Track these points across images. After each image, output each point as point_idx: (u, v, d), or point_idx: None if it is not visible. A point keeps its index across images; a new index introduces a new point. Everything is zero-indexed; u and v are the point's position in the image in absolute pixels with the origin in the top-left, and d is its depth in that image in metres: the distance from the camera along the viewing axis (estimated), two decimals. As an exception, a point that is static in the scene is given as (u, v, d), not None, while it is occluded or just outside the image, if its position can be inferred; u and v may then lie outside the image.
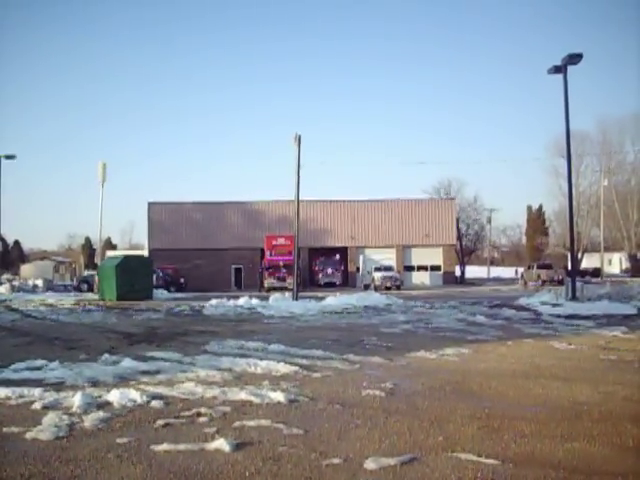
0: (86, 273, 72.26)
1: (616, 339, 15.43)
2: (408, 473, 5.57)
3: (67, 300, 35.87)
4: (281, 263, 48.75)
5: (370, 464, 5.75)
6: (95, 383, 9.77)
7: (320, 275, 56.70)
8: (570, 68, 27.15)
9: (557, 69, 27.39)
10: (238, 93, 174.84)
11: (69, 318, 23.90)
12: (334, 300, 30.07)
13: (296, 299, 31.75)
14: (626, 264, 76.15)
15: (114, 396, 8.50)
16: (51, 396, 8.65)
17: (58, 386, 9.48)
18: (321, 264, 57.34)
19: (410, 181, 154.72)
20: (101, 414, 7.69)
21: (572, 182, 30.43)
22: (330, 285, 54.28)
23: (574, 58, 26.76)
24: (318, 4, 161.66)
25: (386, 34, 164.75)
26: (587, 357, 12.47)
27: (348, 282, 56.34)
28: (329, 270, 56.83)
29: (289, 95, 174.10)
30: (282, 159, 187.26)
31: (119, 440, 6.61)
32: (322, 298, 30.97)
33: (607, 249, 72.85)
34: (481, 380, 9.83)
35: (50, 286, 53.64)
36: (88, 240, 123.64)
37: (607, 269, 73.86)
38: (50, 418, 7.45)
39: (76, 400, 8.19)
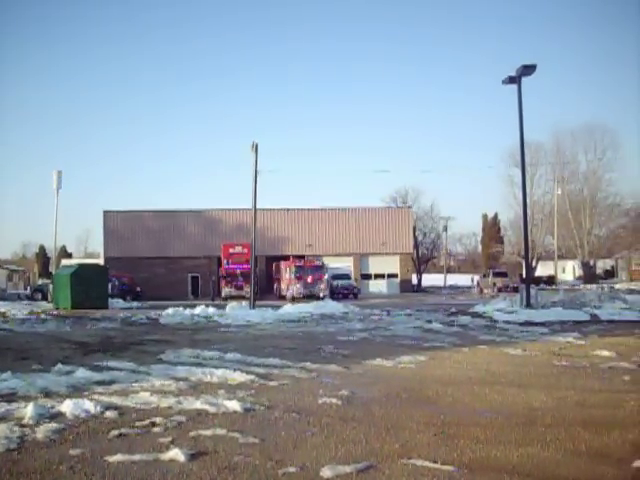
0: (40, 282, 71.13)
1: (569, 345, 15.68)
2: (364, 481, 5.58)
3: (20, 309, 35.17)
4: (238, 271, 48.55)
5: (326, 472, 5.73)
6: (48, 394, 9.60)
7: (297, 285, 46.90)
8: (524, 79, 27.55)
9: (511, 80, 27.76)
10: (195, 104, 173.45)
11: (22, 327, 23.49)
12: (291, 308, 30.06)
13: (253, 307, 31.64)
14: (579, 272, 77.31)
15: (67, 407, 8.36)
16: (2, 407, 8.47)
17: (9, 397, 9.29)
18: (298, 271, 47.81)
19: (367, 190, 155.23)
20: (54, 425, 7.55)
21: (526, 191, 30.88)
22: (310, 297, 43.37)
23: (528, 69, 27.15)
24: (274, 11, 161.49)
25: (339, 36, 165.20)
26: (541, 363, 12.63)
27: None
28: (309, 278, 47.28)
29: (247, 102, 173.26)
30: (239, 167, 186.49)
31: (72, 451, 6.50)
32: (279, 307, 30.90)
33: (561, 257, 73.97)
34: (437, 387, 9.89)
35: (3, 295, 52.79)
36: (43, 248, 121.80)
37: (561, 276, 74.97)
38: (1, 430, 7.28)
39: (28, 411, 8.04)
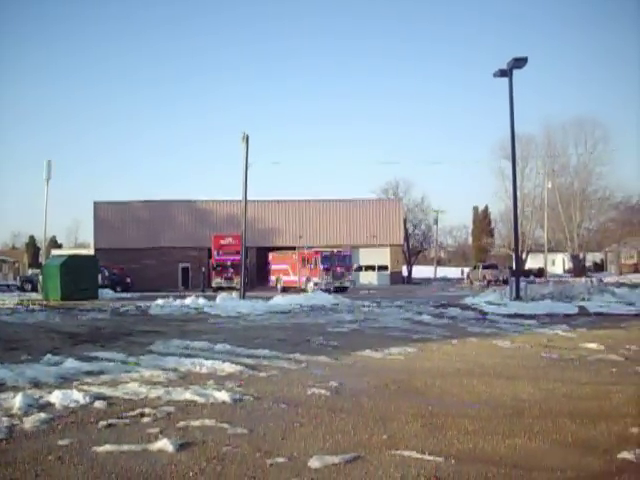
0: (30, 272, 70.96)
1: (558, 337, 15.74)
2: (352, 471, 5.60)
3: (10, 300, 35.10)
4: (229, 262, 48.51)
5: (314, 463, 5.76)
6: (37, 384, 9.59)
7: (325, 276, 43.57)
8: (516, 71, 27.58)
9: (503, 73, 27.80)
10: (193, 99, 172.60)
11: (11, 318, 23.42)
12: (281, 300, 30.07)
13: (243, 299, 31.66)
14: (569, 264, 77.63)
15: (56, 397, 8.36)
16: (-10, 397, 8.47)
17: (-2, 387, 9.28)
18: (326, 261, 44.30)
19: (358, 182, 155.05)
20: (42, 415, 7.55)
21: (517, 184, 30.96)
22: (341, 290, 41.66)
23: (519, 62, 27.18)
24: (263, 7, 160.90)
25: (334, 32, 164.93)
26: (529, 355, 12.69)
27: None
28: (338, 269, 44.27)
29: (238, 94, 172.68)
30: (236, 161, 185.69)
31: (60, 442, 6.50)
32: (269, 298, 30.90)
33: (551, 250, 74.14)
34: (426, 378, 9.92)
35: (-8, 285, 52.47)
36: (32, 239, 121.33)
37: (550, 269, 75.21)
38: (-11, 420, 7.29)
39: (17, 401, 8.03)
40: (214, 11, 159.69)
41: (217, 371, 10.65)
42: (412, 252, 73.83)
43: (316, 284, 43.17)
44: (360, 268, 59.99)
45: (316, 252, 46.08)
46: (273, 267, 51.55)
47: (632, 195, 73.66)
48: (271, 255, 52.37)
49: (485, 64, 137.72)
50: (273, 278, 50.72)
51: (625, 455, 5.92)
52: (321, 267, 44.20)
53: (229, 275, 48.37)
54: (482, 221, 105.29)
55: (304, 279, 45.66)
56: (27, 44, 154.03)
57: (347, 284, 44.47)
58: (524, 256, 71.65)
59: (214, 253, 50.47)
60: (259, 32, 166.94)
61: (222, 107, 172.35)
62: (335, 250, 47.00)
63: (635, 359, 11.90)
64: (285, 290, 44.91)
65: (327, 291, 39.27)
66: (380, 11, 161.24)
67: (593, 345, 13.70)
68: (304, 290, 42.10)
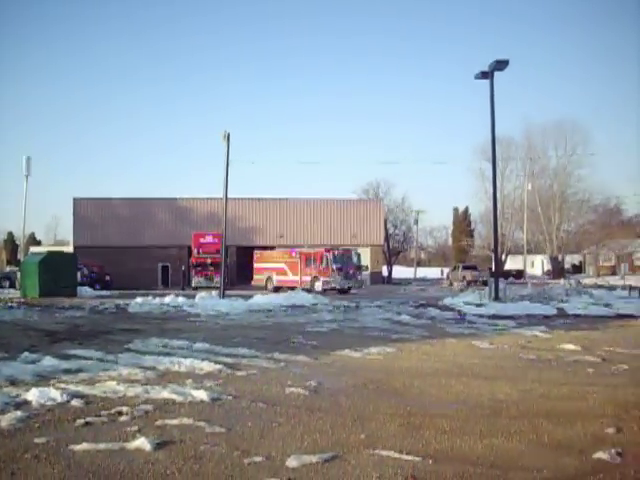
0: (8, 269, 70.36)
1: (536, 338, 15.83)
2: (330, 470, 5.61)
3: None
4: (209, 261, 48.32)
5: (292, 462, 5.76)
6: (14, 382, 9.51)
7: (337, 276, 41.91)
8: (497, 74, 27.66)
9: (484, 75, 27.84)
10: (193, 98, 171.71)
11: (-12, 315, 23.23)
12: (261, 299, 29.98)
13: (223, 297, 31.59)
14: (548, 266, 78.14)
15: (33, 395, 8.31)
16: (-34, 395, 8.40)
17: (-26, 385, 9.21)
18: (337, 260, 42.46)
19: (340, 181, 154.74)
20: (19, 414, 7.49)
21: (497, 185, 31.07)
22: (344, 292, 41.45)
23: (500, 64, 27.24)
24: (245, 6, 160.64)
25: (316, 31, 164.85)
26: (508, 356, 12.77)
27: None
28: (350, 269, 43.00)
29: (219, 91, 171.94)
30: (211, 156, 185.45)
31: (37, 440, 6.46)
32: (249, 297, 30.83)
33: (530, 251, 74.70)
34: (404, 378, 9.95)
35: (-31, 283, 51.91)
36: (11, 235, 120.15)
37: (530, 271, 75.65)
38: (-35, 418, 7.23)
39: (-7, 399, 7.98)
40: (213, 10, 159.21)
41: (196, 370, 10.63)
42: (392, 252, 73.93)
43: (326, 283, 41.96)
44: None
45: (326, 250, 44.20)
46: (261, 266, 48.77)
47: (610, 198, 74.44)
48: (258, 253, 50.13)
49: (466, 65, 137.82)
50: (260, 277, 48.25)
51: (600, 455, 5.97)
52: (334, 266, 42.34)
53: (209, 274, 48.18)
54: (462, 222, 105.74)
55: (308, 279, 43.50)
56: (27, 44, 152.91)
57: (359, 284, 43.78)
58: (503, 257, 72.09)
59: (194, 252, 50.24)
60: (258, 30, 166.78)
61: (222, 106, 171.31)
62: (342, 249, 45.72)
63: (611, 360, 12.00)
64: (277, 290, 43.08)
65: (340, 291, 40.93)
66: (379, 9, 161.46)
67: (570, 346, 13.80)
68: (309, 290, 39.11)
